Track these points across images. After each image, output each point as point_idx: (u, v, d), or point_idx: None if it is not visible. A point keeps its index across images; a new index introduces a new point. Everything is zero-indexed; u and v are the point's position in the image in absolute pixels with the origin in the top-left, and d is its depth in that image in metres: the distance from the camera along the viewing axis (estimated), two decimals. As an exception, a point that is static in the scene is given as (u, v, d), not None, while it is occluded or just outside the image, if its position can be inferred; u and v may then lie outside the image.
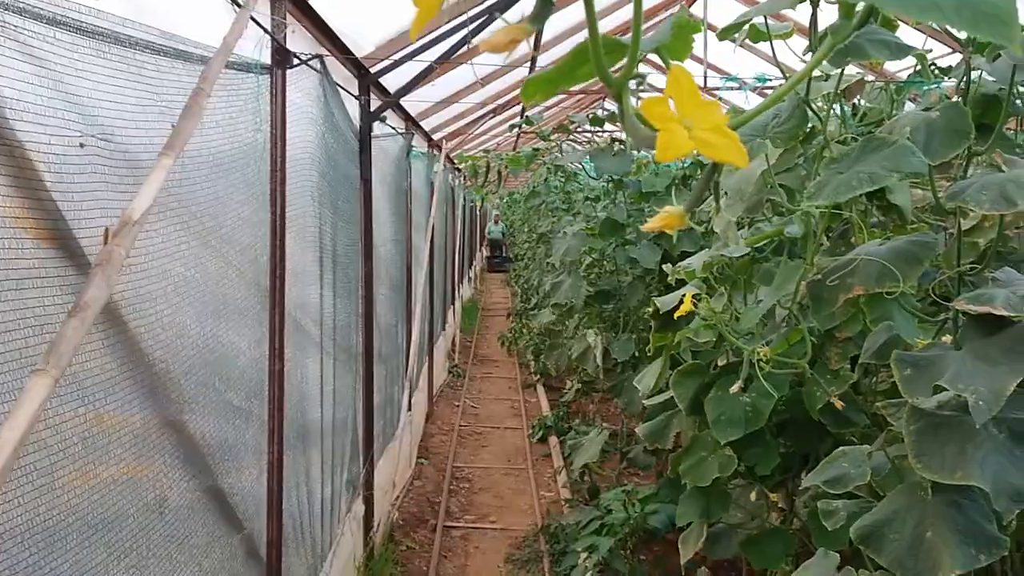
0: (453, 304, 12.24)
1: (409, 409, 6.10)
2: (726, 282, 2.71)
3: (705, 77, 8.35)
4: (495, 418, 8.56)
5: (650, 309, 2.66)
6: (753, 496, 2.56)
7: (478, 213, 21.59)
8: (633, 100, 0.53)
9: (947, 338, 1.64)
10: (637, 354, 4.73)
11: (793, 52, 2.22)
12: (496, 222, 23.52)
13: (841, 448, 1.70)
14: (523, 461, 7.02)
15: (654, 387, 2.87)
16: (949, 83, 2.61)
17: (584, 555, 3.64)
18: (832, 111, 1.70)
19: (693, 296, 1.86)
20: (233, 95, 2.27)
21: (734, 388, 1.83)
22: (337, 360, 3.62)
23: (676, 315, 1.93)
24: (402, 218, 5.88)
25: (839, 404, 1.91)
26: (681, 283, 2.94)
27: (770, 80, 3.77)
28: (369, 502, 4.34)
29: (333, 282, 3.41)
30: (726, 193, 2.61)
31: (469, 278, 17.37)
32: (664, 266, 2.90)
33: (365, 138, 4.11)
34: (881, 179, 1.34)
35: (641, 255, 4.55)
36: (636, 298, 4.73)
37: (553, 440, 7.32)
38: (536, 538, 5.28)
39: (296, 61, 2.69)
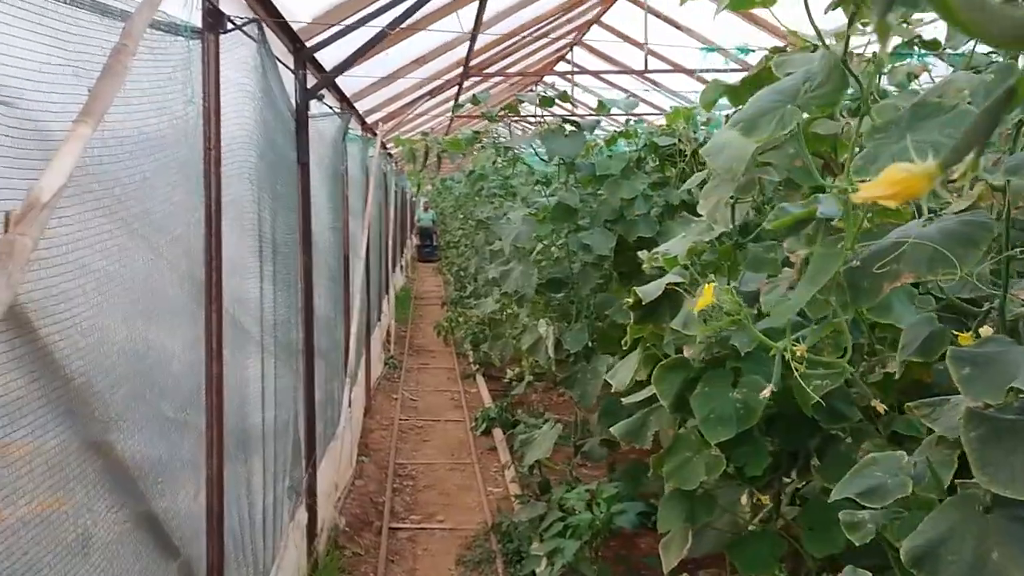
0: (387, 293, 11.91)
1: (349, 405, 5.81)
2: (710, 269, 2.53)
3: (646, 61, 8.23)
4: (435, 410, 8.30)
5: (628, 300, 2.46)
6: (744, 500, 2.39)
7: (409, 200, 21.00)
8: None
9: (984, 330, 1.48)
10: (591, 344, 4.55)
11: (778, 20, 2.03)
12: (426, 209, 22.51)
13: (871, 455, 1.53)
14: (468, 455, 6.79)
15: (630, 381, 2.68)
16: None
17: (545, 561, 3.45)
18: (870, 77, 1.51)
19: (710, 286, 1.65)
20: (161, 61, 1.96)
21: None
22: (278, 359, 3.32)
23: (697, 308, 1.72)
24: (339, 205, 5.56)
25: (880, 407, 1.73)
26: (658, 272, 2.75)
27: (753, 51, 3.60)
28: (312, 509, 4.06)
29: (273, 274, 3.11)
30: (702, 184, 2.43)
31: (401, 266, 17.00)
32: (640, 252, 2.71)
33: (302, 117, 3.80)
34: (946, 148, 1.14)
35: (594, 241, 4.36)
36: (589, 286, 4.55)
37: (498, 433, 7.12)
38: (487, 537, 5.07)
39: (230, 26, 2.39)
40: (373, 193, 6.61)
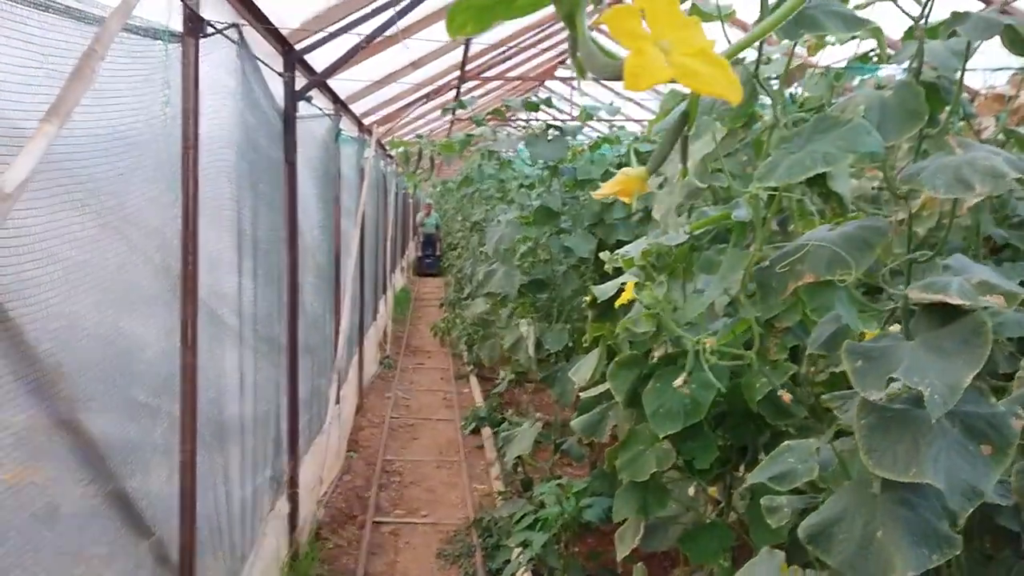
0: (384, 294, 12.02)
1: (338, 402, 5.92)
2: (665, 271, 2.64)
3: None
4: (427, 410, 8.41)
5: (587, 298, 2.56)
6: (692, 491, 2.49)
7: (410, 202, 20.54)
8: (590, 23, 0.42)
9: (894, 328, 1.58)
10: (571, 344, 4.66)
11: (726, 37, 2.14)
12: (428, 213, 20.02)
13: (786, 443, 1.63)
14: (456, 453, 6.90)
15: (590, 379, 2.78)
16: (889, 71, 2.58)
17: (518, 550, 3.55)
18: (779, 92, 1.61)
19: (635, 284, 1.76)
20: (140, 63, 2.07)
21: (679, 381, 1.74)
22: (259, 352, 3.43)
23: (616, 304, 1.83)
24: (330, 204, 5.68)
25: (787, 397, 1.83)
26: (619, 272, 2.85)
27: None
28: (294, 500, 4.16)
29: (254, 269, 3.22)
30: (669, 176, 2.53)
31: (402, 268, 17.12)
32: (601, 254, 2.82)
33: (290, 118, 3.92)
34: (836, 159, 1.25)
35: (575, 244, 4.47)
36: (570, 288, 4.65)
37: (486, 432, 7.22)
38: (468, 532, 5.17)
39: (211, 30, 2.50)
40: (367, 193, 6.72)
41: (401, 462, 6.65)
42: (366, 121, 7.80)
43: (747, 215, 1.51)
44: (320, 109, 4.85)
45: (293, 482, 4.16)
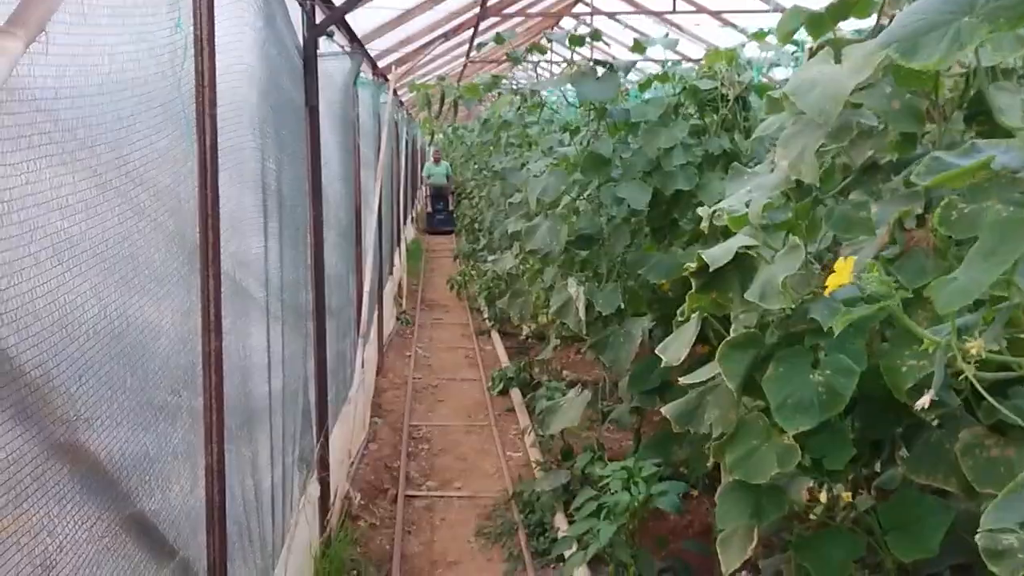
0: (399, 247, 11.59)
1: (362, 366, 5.53)
2: (782, 230, 2.19)
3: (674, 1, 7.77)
4: (450, 369, 8.03)
5: (690, 265, 2.12)
6: (823, 497, 2.08)
7: (419, 149, 19.51)
8: None
9: None
10: (623, 306, 4.23)
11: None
12: (438, 161, 17.32)
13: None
14: (485, 417, 6.53)
15: (684, 357, 2.35)
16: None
17: (576, 544, 3.17)
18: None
19: (849, 260, 1.32)
20: (138, -25, 1.61)
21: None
22: (285, 323, 3.02)
23: (828, 288, 1.40)
24: (350, 154, 5.21)
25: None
26: (720, 231, 2.42)
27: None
28: (325, 481, 3.80)
29: (280, 230, 2.79)
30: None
31: (412, 218, 16.62)
32: (699, 209, 2.37)
33: (311, 56, 3.43)
34: None
35: (629, 194, 4.01)
36: (622, 243, 4.21)
37: (516, 394, 6.84)
38: (508, 507, 4.82)
39: (225, -61, 2.03)
40: (386, 142, 6.24)
41: (428, 427, 6.29)
42: (381, 63, 7.27)
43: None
44: (341, 47, 4.36)
45: (323, 462, 3.78)
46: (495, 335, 9.05)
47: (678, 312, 2.31)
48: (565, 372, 7.28)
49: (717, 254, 2.00)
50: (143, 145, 1.60)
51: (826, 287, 1.42)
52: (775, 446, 2.06)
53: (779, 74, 5.11)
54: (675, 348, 2.34)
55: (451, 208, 17.14)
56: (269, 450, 2.81)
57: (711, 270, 2.03)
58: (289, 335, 3.11)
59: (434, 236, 16.97)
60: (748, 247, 1.99)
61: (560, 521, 4.41)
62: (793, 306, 1.86)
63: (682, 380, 2.25)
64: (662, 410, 2.38)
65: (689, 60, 8.11)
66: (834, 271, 1.36)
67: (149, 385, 1.64)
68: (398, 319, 9.72)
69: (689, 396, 2.37)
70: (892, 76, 1.98)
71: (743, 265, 2.01)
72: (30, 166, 1.16)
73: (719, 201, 4.07)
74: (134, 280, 1.57)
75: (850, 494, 2.11)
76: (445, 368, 8.04)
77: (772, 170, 2.72)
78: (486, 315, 9.75)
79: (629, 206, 4.05)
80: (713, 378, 2.26)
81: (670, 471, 3.24)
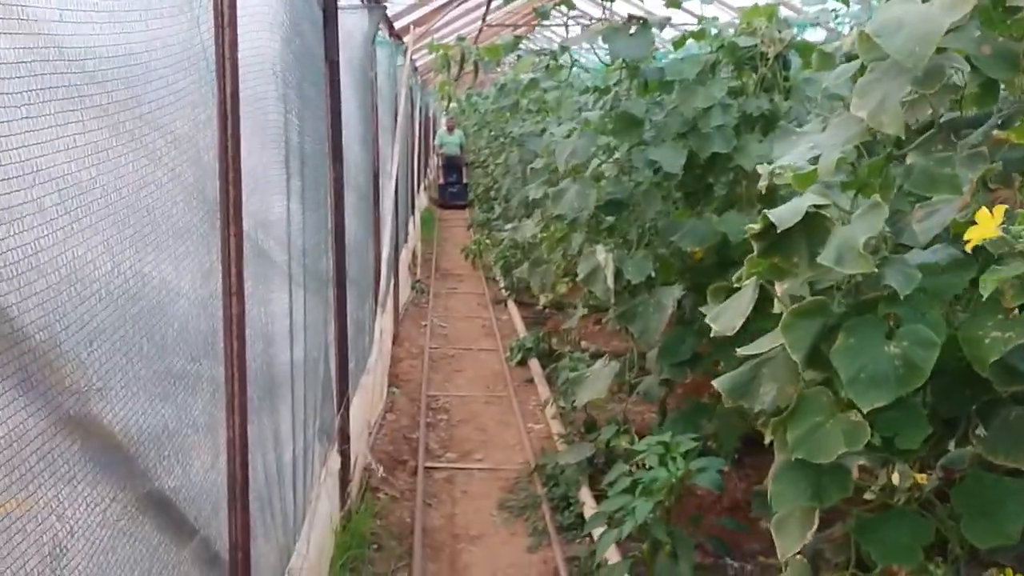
0: (413, 215, 11.42)
1: (380, 335, 5.39)
2: (852, 188, 2.01)
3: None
4: (467, 338, 7.89)
5: (752, 226, 1.95)
6: (896, 478, 1.92)
7: (432, 116, 19.06)
8: None
9: None
10: (653, 274, 4.07)
11: None
12: (451, 129, 16.37)
13: None
14: (503, 387, 6.39)
15: (738, 327, 2.19)
16: None
17: (608, 522, 3.03)
18: None
19: (999, 208, 1.14)
20: None
21: None
22: (308, 289, 2.87)
23: (975, 240, 1.23)
24: (368, 116, 5.03)
25: None
26: (761, 196, 2.26)
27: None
28: (345, 453, 3.67)
29: (302, 190, 2.62)
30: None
31: (425, 186, 16.40)
32: (759, 167, 2.19)
33: (331, 7, 3.25)
34: None
35: (663, 157, 3.82)
36: (653, 208, 4.03)
37: (535, 364, 6.69)
38: (530, 479, 4.69)
39: None
40: (404, 105, 6.05)
41: (446, 398, 6.16)
42: (397, 24, 7.06)
43: None
44: (361, 1, 4.16)
45: (344, 434, 3.65)
46: (512, 305, 8.89)
47: (731, 278, 2.15)
48: (584, 343, 7.12)
49: (784, 214, 1.82)
50: (159, 85, 1.44)
51: (967, 241, 1.24)
52: (841, 423, 1.90)
53: (810, 37, 4.89)
54: (728, 317, 2.18)
55: (465, 180, 16.18)
56: (291, 422, 2.67)
57: (775, 232, 1.86)
58: (311, 302, 2.96)
59: (446, 209, 16.26)
60: (818, 206, 1.81)
61: (585, 495, 4.29)
62: (876, 269, 1.69)
63: (740, 351, 2.08)
64: (714, 383, 2.22)
65: (730, 9, 7.77)
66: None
67: (167, 352, 1.49)
68: (413, 288, 9.58)
69: (742, 368, 2.20)
70: (979, 18, 1.80)
71: (812, 226, 1.83)
72: (30, 97, 1.00)
73: (758, 164, 3.89)
74: (150, 235, 1.41)
75: (922, 475, 1.94)
76: (461, 338, 7.91)
77: (824, 129, 2.54)
78: (502, 284, 9.60)
79: (662, 170, 3.86)
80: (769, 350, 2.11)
81: (721, 460, 3.09)
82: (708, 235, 3.87)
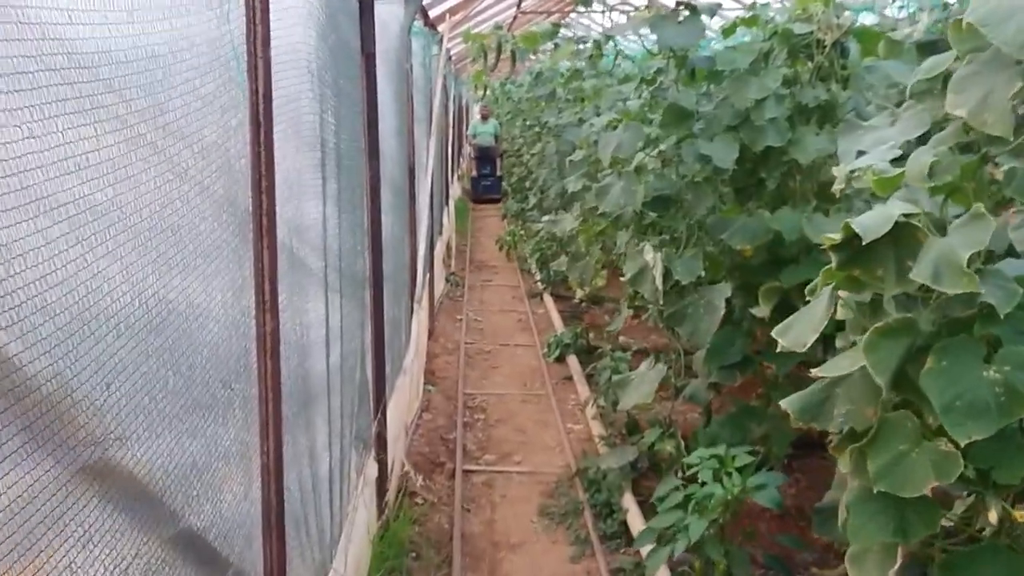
0: (447, 205, 11.29)
1: (416, 332, 5.27)
2: (941, 192, 1.83)
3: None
4: (503, 333, 7.75)
5: (832, 236, 1.77)
6: (993, 517, 1.74)
7: (463, 106, 18.73)
8: None
9: None
10: (702, 275, 3.89)
11: None
12: (485, 118, 15.44)
13: None
14: (541, 385, 6.25)
15: (811, 342, 2.02)
16: None
17: (658, 539, 2.88)
18: None
19: None
20: None
21: None
22: (343, 295, 2.74)
23: None
24: (404, 108, 4.89)
25: None
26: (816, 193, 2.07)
27: None
28: (383, 461, 3.55)
29: (338, 192, 2.49)
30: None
31: (459, 176, 16.26)
32: (835, 169, 2.01)
33: (366, -3, 3.10)
34: None
35: (714, 151, 3.64)
36: (704, 205, 3.84)
37: (573, 361, 6.54)
38: (571, 484, 4.55)
39: None
40: (439, 95, 5.90)
41: (483, 396, 6.03)
42: (432, 13, 6.90)
43: None
44: (396, -11, 4.02)
45: (381, 440, 3.54)
46: (548, 298, 8.74)
47: (782, 278, 1.97)
48: (622, 338, 6.95)
49: (871, 223, 1.65)
50: (184, 91, 1.30)
51: None
52: (929, 452, 1.73)
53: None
54: (799, 332, 2.00)
55: (499, 172, 15.13)
56: (327, 435, 2.55)
57: (859, 242, 1.68)
58: (347, 306, 2.84)
59: (480, 204, 15.21)
60: (908, 215, 1.63)
61: (628, 502, 4.13)
62: (981, 290, 1.51)
63: (815, 372, 1.91)
64: (783, 404, 2.05)
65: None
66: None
67: (195, 383, 1.36)
68: (447, 280, 9.46)
69: (814, 387, 2.03)
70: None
71: (901, 237, 1.65)
72: (32, 114, 0.86)
73: (815, 159, 3.68)
74: (176, 256, 1.28)
75: (1020, 512, 1.76)
76: (498, 333, 7.77)
77: (893, 123, 2.35)
78: (538, 277, 9.44)
79: (711, 164, 3.67)
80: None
81: (781, 475, 2.91)
82: (760, 232, 3.68)
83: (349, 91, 2.75)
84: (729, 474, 2.74)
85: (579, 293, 8.08)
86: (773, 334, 2.09)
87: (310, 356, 2.28)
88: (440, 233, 9.39)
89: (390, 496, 3.78)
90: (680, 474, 4.38)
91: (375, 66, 3.31)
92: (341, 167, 2.55)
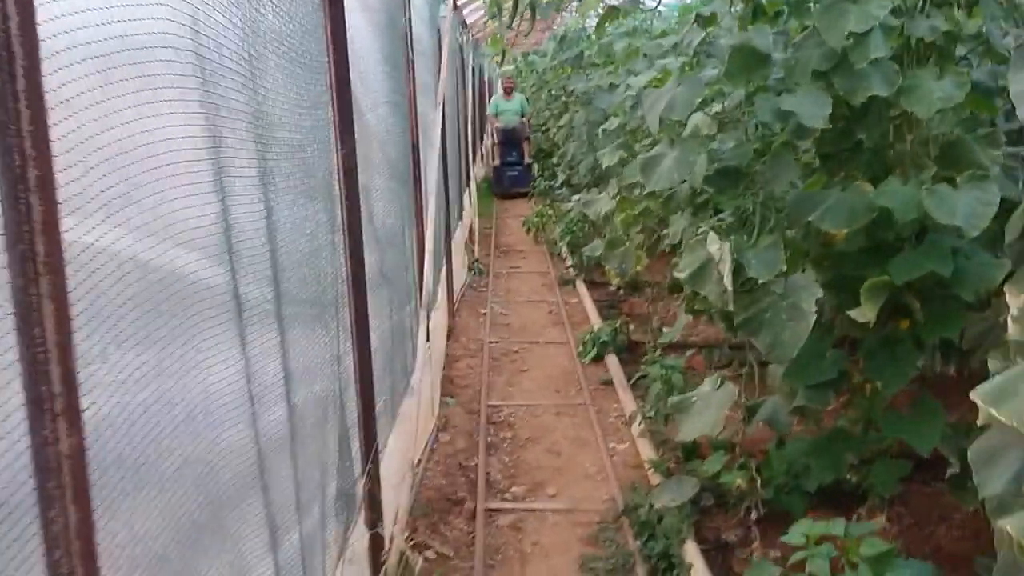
0: (468, 187, 10.43)
1: (427, 339, 4.45)
2: None
3: None
4: (532, 328, 6.91)
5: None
6: None
7: (485, 81, 17.38)
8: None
9: None
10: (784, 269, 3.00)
11: None
12: (509, 92, 13.05)
13: None
14: (577, 393, 5.40)
15: None
16: None
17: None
18: None
19: None
20: None
21: None
22: (292, 322, 1.91)
23: None
24: (400, 72, 4.02)
25: None
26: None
27: None
28: (378, 535, 2.73)
29: (262, 177, 1.64)
30: None
31: (481, 154, 15.36)
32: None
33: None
34: None
35: (799, 106, 2.75)
36: (785, 178, 2.95)
37: (612, 363, 5.69)
38: (618, 525, 3.71)
39: None
40: (448, 61, 5.03)
41: (510, 408, 5.20)
42: (440, -33, 6.02)
43: None
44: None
45: (373, 500, 2.71)
46: (581, 285, 7.88)
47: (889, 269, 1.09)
48: (665, 329, 6.07)
49: None
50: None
51: None
52: None
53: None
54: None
55: (527, 160, 12.93)
56: (267, 537, 1.72)
57: None
58: (301, 337, 2.00)
59: (505, 199, 13.09)
60: None
61: (692, 554, 3.30)
62: None
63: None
64: (973, 395, 1.18)
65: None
66: None
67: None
68: (470, 269, 8.63)
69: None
70: None
71: None
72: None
73: (939, 111, 2.75)
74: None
75: None
76: (526, 328, 6.93)
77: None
78: (569, 263, 8.57)
79: (797, 122, 2.78)
80: None
81: (931, 567, 2.03)
82: (860, 211, 2.80)
83: (298, 39, 1.90)
84: (855, 566, 1.87)
85: (616, 281, 7.20)
86: (979, 400, 1.22)
87: (215, 434, 1.45)
88: (460, 218, 8.55)
89: (390, 561, 2.96)
90: (755, 512, 3.55)
91: (343, 9, 2.45)
92: (273, 141, 1.71)
